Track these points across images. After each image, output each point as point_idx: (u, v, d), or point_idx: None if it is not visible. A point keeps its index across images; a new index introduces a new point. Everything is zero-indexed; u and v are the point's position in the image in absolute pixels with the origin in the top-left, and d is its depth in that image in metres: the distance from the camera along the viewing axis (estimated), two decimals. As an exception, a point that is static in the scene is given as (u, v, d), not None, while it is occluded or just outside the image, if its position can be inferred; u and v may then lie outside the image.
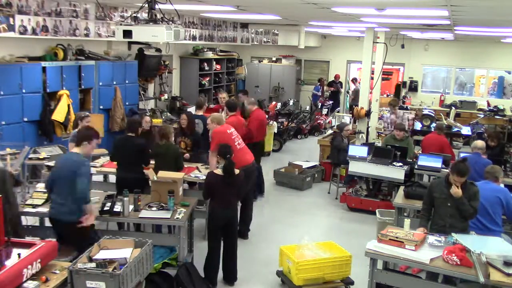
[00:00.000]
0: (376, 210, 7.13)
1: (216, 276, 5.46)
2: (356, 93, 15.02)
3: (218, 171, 5.33)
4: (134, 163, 6.11)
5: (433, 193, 4.95)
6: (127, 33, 5.56)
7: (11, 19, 7.17)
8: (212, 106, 10.38)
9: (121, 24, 5.68)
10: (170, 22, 5.74)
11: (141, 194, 5.36)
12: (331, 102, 15.92)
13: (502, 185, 5.52)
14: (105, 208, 5.09)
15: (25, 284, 3.44)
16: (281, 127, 12.55)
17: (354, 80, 15.90)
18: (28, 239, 4.93)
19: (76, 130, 6.76)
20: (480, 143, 6.76)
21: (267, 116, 10.18)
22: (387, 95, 16.28)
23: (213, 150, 6.14)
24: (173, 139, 6.60)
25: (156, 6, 5.84)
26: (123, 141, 6.29)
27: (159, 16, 5.92)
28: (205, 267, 5.41)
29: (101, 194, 5.69)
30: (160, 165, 6.01)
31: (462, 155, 7.57)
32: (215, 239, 5.42)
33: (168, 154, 6.20)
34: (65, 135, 8.73)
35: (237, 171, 5.39)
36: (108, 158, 6.95)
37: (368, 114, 10.38)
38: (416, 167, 7.55)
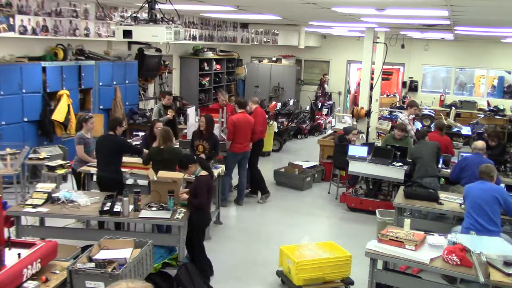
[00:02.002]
0: (376, 210, 7.13)
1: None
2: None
3: (204, 173, 5.38)
4: (111, 162, 6.16)
5: None
6: (127, 33, 5.56)
7: (11, 19, 7.17)
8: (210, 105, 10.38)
9: (121, 24, 5.67)
10: (170, 22, 5.73)
11: (118, 195, 5.35)
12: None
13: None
14: (105, 208, 5.09)
15: (25, 284, 3.43)
16: (281, 127, 12.55)
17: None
18: (28, 239, 4.94)
19: (81, 132, 6.76)
20: (480, 143, 6.76)
21: (267, 116, 10.14)
22: (387, 95, 16.28)
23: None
24: (174, 142, 6.53)
25: (156, 6, 5.84)
26: (102, 140, 6.33)
27: (159, 16, 5.91)
28: (201, 266, 5.40)
29: (101, 194, 5.69)
30: (162, 169, 5.82)
31: (463, 155, 7.59)
32: (203, 239, 5.54)
33: (172, 159, 6.05)
34: (65, 135, 8.74)
35: (204, 173, 5.41)
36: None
37: (368, 114, 10.38)
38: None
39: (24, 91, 8.02)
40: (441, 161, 7.45)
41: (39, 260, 3.60)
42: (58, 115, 8.44)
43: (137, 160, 6.76)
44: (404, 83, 16.65)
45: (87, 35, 8.73)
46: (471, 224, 5.06)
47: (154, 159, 6.14)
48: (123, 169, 6.48)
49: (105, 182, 6.10)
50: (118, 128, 6.33)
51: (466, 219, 5.21)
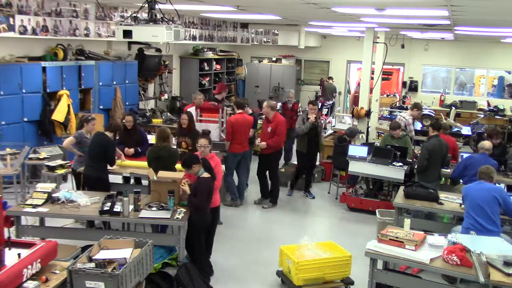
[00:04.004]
0: (376, 210, 7.13)
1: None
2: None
3: (206, 175, 5.33)
4: (98, 160, 6.19)
5: None
6: (127, 33, 5.56)
7: (11, 19, 7.17)
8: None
9: (121, 24, 5.67)
10: (170, 22, 5.73)
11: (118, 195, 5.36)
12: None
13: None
14: (105, 208, 5.09)
15: (25, 284, 3.44)
16: (281, 127, 12.51)
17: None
18: (28, 239, 4.94)
19: (81, 130, 6.76)
20: (487, 144, 6.75)
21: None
22: (387, 95, 16.28)
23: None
24: (172, 141, 6.54)
25: (156, 6, 5.84)
26: (94, 137, 6.36)
27: (159, 16, 5.91)
28: (201, 266, 5.40)
29: (101, 194, 5.69)
30: (159, 168, 5.82)
31: (463, 155, 7.59)
32: (203, 238, 5.51)
33: (169, 157, 6.11)
34: (65, 135, 8.71)
35: (206, 175, 5.38)
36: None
37: (368, 114, 10.38)
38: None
39: (24, 91, 8.02)
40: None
41: (39, 260, 3.60)
42: (58, 115, 8.44)
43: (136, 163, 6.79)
44: (404, 83, 16.66)
45: (87, 35, 8.73)
46: (471, 224, 5.06)
47: (151, 158, 6.14)
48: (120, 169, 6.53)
49: (92, 181, 6.17)
50: (116, 131, 6.44)
51: (466, 219, 5.21)
